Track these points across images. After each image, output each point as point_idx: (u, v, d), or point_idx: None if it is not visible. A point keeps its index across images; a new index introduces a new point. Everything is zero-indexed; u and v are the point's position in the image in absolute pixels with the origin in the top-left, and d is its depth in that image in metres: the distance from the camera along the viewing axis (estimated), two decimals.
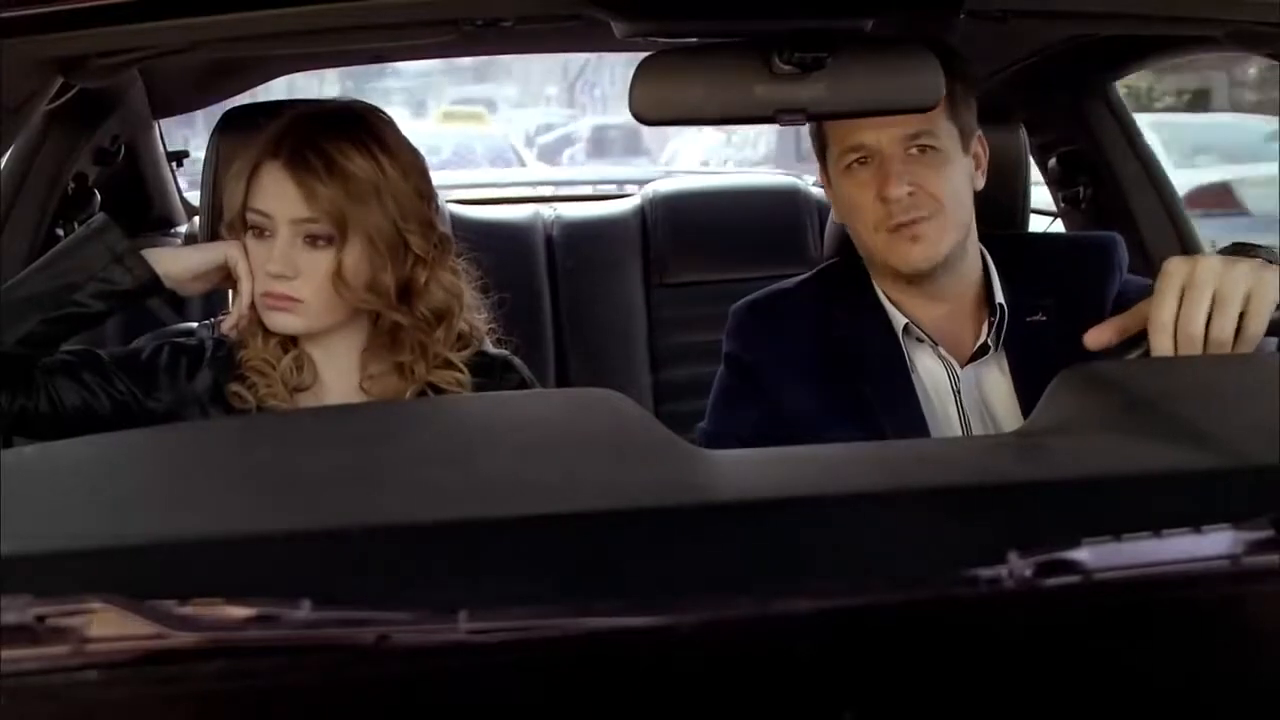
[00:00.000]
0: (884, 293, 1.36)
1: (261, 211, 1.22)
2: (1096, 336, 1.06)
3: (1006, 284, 1.35)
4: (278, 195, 1.21)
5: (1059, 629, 0.63)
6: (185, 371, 1.27)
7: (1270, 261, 1.05)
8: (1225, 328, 1.02)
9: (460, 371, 1.30)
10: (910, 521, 0.67)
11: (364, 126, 1.26)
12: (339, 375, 1.30)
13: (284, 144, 1.22)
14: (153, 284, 1.23)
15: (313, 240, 1.22)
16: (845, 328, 1.36)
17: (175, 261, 1.25)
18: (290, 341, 1.28)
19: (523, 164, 9.11)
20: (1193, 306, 1.02)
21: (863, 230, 1.33)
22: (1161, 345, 1.03)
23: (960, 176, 1.32)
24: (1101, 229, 1.91)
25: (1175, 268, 1.04)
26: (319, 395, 1.29)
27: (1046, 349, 1.28)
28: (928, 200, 1.28)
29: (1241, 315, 1.02)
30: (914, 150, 1.28)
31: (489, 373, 1.33)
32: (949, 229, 1.30)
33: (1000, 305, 1.33)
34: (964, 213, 1.32)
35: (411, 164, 1.27)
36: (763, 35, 0.99)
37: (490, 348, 1.37)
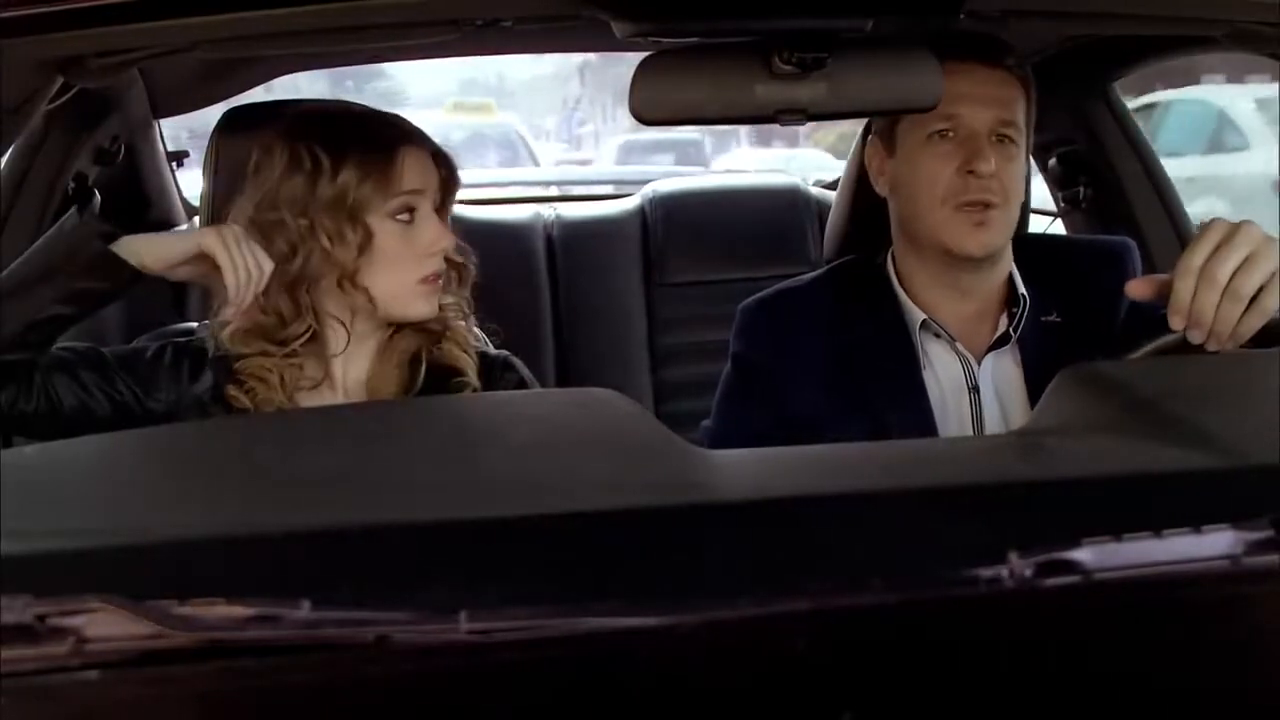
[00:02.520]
0: (904, 288, 1.36)
1: (417, 190, 1.25)
2: (1136, 288, 1.11)
3: (1025, 283, 1.36)
4: (427, 171, 1.27)
5: (1059, 629, 0.63)
6: (188, 372, 1.27)
7: None
8: (1249, 284, 1.05)
9: (466, 351, 1.31)
10: (910, 521, 0.67)
11: None
12: (349, 370, 1.29)
13: (410, 130, 1.28)
14: (131, 280, 1.22)
15: (435, 213, 1.28)
16: (856, 326, 1.35)
17: (153, 253, 1.23)
18: (298, 351, 1.27)
19: (530, 152, 9.17)
20: (1224, 258, 1.05)
21: (927, 204, 1.31)
22: (1183, 290, 1.06)
23: (1023, 174, 1.34)
24: (1101, 229, 1.92)
25: (1218, 224, 1.08)
26: (322, 394, 1.29)
27: (1059, 349, 1.29)
28: (999, 188, 1.29)
29: (1261, 288, 1.05)
30: (996, 137, 1.29)
31: (489, 373, 1.33)
32: (1008, 223, 1.31)
33: (1023, 295, 1.33)
34: (1018, 210, 1.33)
35: None
36: (763, 35, 0.99)
37: (490, 348, 1.37)
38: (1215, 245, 1.06)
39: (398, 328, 1.30)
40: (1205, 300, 1.05)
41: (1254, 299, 1.05)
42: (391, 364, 1.29)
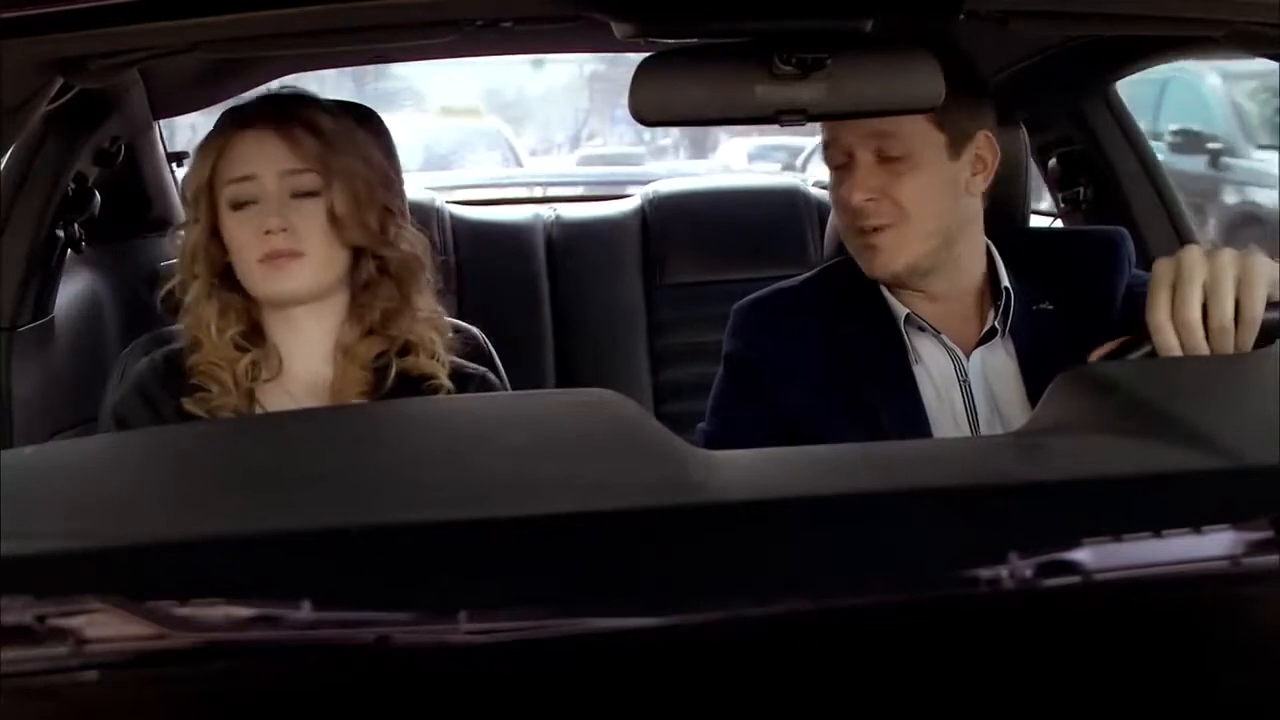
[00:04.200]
0: (888, 287, 1.36)
1: (246, 176, 1.24)
2: (1099, 354, 1.09)
3: (1013, 275, 1.35)
4: (261, 154, 1.24)
5: (1059, 629, 0.63)
6: (156, 405, 1.28)
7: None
8: (1224, 312, 1.04)
9: (435, 358, 1.30)
10: (910, 521, 0.67)
11: (321, 100, 1.32)
12: (306, 362, 1.30)
13: (254, 114, 1.26)
14: None
15: (302, 195, 1.25)
16: (848, 324, 1.35)
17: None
18: (249, 336, 1.28)
19: (516, 157, 9.41)
20: (1185, 297, 1.04)
21: (842, 229, 1.34)
22: (1166, 344, 1.05)
23: (936, 184, 1.28)
24: None
25: (1162, 267, 1.07)
26: (284, 385, 1.29)
27: (1053, 337, 1.29)
28: (890, 209, 1.27)
29: (1237, 301, 1.04)
30: (881, 155, 1.27)
31: (463, 391, 1.32)
32: (913, 239, 1.28)
33: (1006, 289, 1.33)
34: (936, 222, 1.29)
35: (373, 139, 1.36)
36: (763, 35, 0.98)
37: (469, 366, 1.36)
38: (1170, 290, 1.04)
39: (353, 328, 1.29)
40: (1195, 347, 1.04)
41: (1236, 314, 1.04)
42: (356, 366, 1.29)
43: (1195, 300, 1.03)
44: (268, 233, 1.23)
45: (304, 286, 1.26)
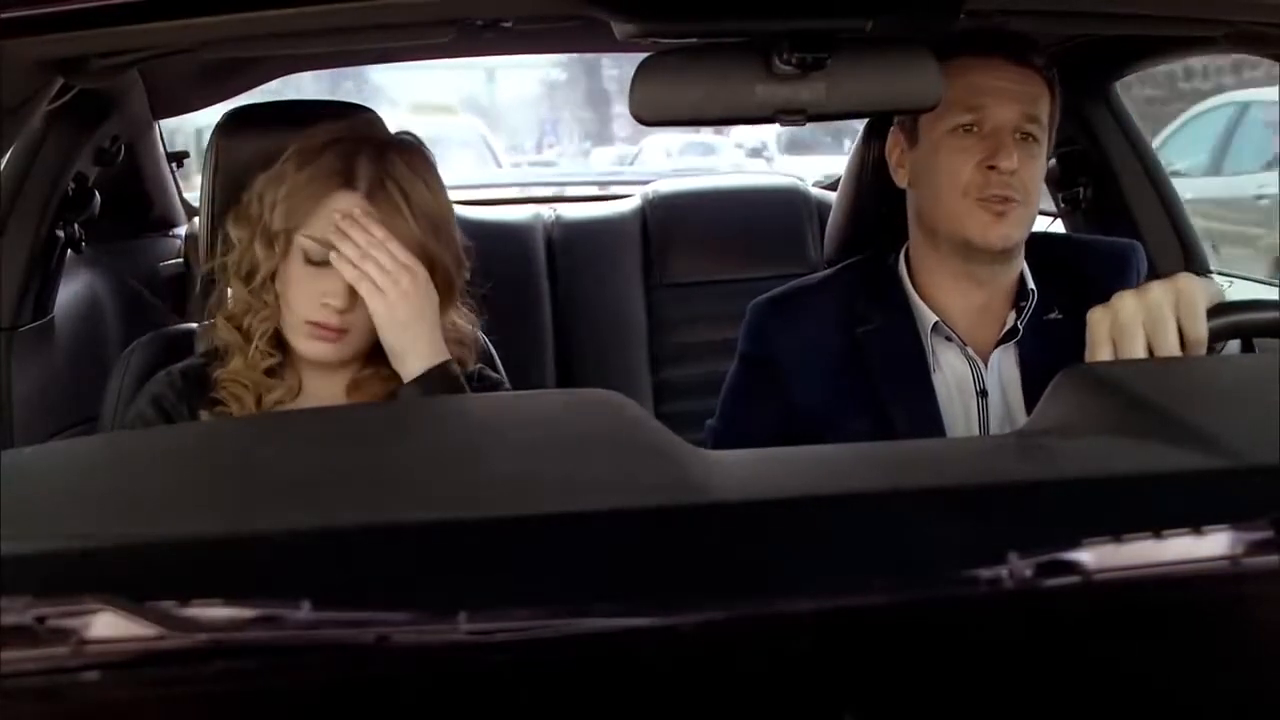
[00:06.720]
0: (916, 287, 1.36)
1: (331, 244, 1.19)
2: None
3: (1033, 279, 1.37)
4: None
5: (1059, 629, 0.63)
6: (172, 417, 1.27)
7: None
8: (1169, 347, 1.02)
9: (465, 363, 1.29)
10: (910, 521, 0.67)
11: (424, 157, 1.25)
12: (325, 387, 1.29)
13: (359, 173, 1.20)
14: None
15: None
16: (867, 326, 1.36)
17: None
18: (281, 366, 1.27)
19: (494, 154, 9.30)
20: (1129, 350, 1.02)
21: (948, 196, 1.31)
22: None
23: (1043, 174, 1.36)
24: (1101, 230, 1.92)
25: (1098, 322, 1.04)
26: (299, 406, 1.28)
27: (1060, 347, 1.29)
28: (1021, 185, 1.30)
29: (1180, 326, 1.02)
30: (1020, 135, 1.31)
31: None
32: (1026, 220, 1.32)
33: (1032, 290, 1.34)
34: (1036, 207, 1.35)
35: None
36: (763, 35, 0.99)
37: (492, 371, 1.36)
38: (1110, 346, 1.03)
39: (365, 364, 1.28)
40: None
41: (1183, 341, 1.02)
42: (370, 393, 1.28)
43: (1140, 350, 1.02)
44: (326, 304, 1.20)
45: (340, 356, 1.24)
